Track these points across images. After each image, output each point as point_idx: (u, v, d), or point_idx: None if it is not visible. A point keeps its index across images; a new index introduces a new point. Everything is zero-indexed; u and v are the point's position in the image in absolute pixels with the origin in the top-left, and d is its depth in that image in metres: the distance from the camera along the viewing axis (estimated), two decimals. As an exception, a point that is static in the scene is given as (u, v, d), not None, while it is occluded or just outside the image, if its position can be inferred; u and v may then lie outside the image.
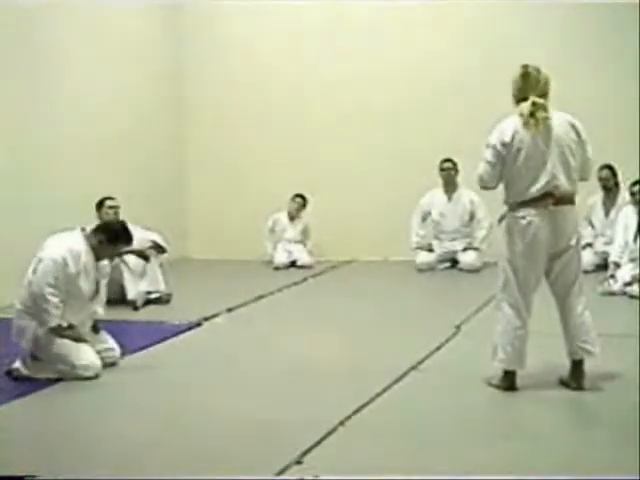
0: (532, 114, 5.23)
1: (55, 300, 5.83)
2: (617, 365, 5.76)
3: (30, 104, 8.71)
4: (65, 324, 5.90)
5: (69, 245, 5.94)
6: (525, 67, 5.33)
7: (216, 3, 11.30)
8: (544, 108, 5.25)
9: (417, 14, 10.70)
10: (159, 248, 8.67)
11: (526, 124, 5.24)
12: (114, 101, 10.01)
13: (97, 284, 6.11)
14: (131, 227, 8.68)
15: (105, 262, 6.23)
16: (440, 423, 4.93)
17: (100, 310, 6.27)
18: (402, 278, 9.81)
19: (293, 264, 10.57)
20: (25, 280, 5.97)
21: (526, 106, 5.24)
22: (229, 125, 11.38)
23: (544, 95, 5.28)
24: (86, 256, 5.98)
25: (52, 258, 5.85)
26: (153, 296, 8.40)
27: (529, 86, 5.28)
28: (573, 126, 5.35)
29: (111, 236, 6.06)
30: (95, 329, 6.19)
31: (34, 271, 5.91)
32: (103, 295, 6.29)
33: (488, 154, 5.34)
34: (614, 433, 4.71)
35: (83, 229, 6.10)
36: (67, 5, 9.17)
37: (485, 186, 5.46)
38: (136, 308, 8.17)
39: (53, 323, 5.85)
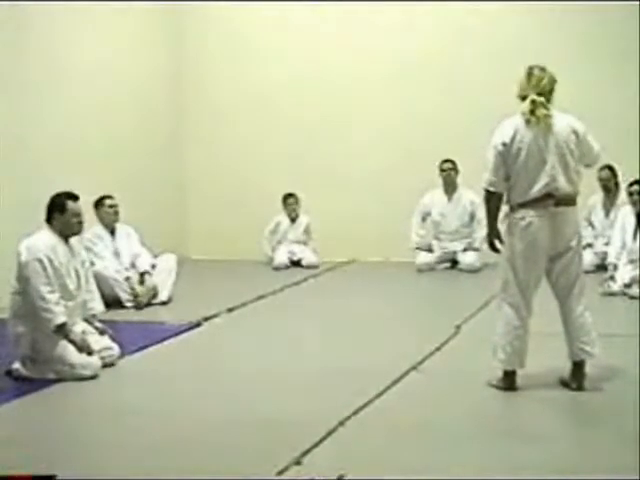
0: (532, 112, 5.25)
1: (55, 297, 5.82)
2: (617, 365, 5.77)
3: (27, 106, 8.70)
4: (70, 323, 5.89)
5: (44, 241, 5.92)
6: (530, 68, 5.38)
7: (215, 4, 11.30)
8: (544, 106, 5.27)
9: (418, 15, 10.70)
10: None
11: (527, 122, 5.27)
12: (114, 101, 9.99)
13: (77, 272, 6.08)
14: (130, 241, 8.51)
15: (81, 251, 6.21)
16: (440, 423, 4.93)
17: (98, 306, 6.29)
18: (402, 278, 9.80)
19: (297, 264, 10.53)
20: (11, 287, 5.95)
21: (526, 104, 5.29)
22: (229, 125, 11.36)
23: (546, 94, 5.29)
24: (60, 246, 5.98)
25: (36, 258, 5.82)
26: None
27: (531, 85, 5.31)
28: (574, 129, 5.35)
29: (55, 206, 6.01)
30: (100, 331, 6.18)
31: (18, 278, 5.89)
32: (94, 287, 6.30)
33: (491, 156, 5.34)
34: (614, 433, 4.71)
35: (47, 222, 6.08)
36: (68, 3, 9.17)
37: (495, 190, 5.36)
38: (136, 308, 8.16)
39: (60, 320, 5.81)
